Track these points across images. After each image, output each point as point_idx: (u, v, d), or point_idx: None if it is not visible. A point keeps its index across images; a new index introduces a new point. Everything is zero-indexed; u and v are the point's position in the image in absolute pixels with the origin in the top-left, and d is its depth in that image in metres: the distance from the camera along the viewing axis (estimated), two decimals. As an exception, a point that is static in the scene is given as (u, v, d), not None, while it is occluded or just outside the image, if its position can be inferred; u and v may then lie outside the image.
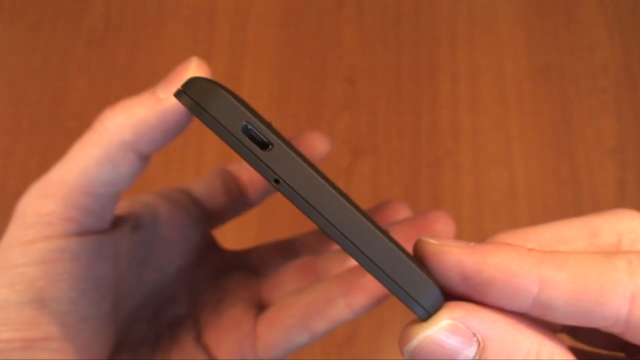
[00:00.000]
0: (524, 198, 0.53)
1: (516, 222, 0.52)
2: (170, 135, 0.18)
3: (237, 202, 0.25)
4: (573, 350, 0.13)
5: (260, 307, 0.23)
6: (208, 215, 0.24)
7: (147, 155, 0.19)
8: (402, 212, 0.23)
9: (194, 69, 0.18)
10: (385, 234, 0.13)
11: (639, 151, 0.54)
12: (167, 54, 0.59)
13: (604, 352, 0.17)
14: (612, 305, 0.12)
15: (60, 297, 0.17)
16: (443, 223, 0.21)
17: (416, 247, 0.14)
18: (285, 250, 0.26)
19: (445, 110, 0.56)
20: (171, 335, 0.22)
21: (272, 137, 0.13)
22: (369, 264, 0.13)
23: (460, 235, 0.52)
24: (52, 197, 0.17)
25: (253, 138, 0.13)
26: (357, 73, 0.58)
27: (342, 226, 0.13)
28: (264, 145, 0.13)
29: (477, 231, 0.52)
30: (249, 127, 0.13)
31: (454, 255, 0.13)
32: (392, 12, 0.60)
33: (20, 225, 0.18)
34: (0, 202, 0.53)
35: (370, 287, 0.20)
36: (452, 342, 0.12)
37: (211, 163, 0.54)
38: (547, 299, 0.12)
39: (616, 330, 0.12)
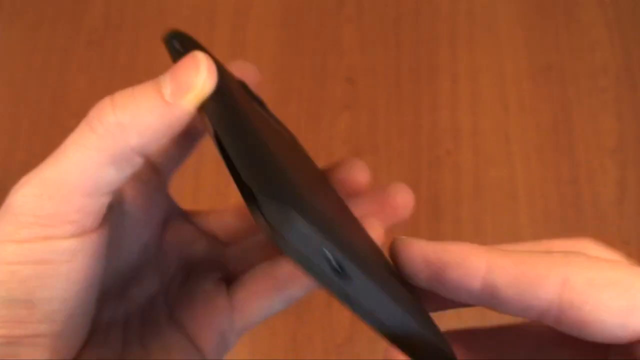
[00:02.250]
0: (524, 198, 0.53)
1: (516, 222, 0.52)
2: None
3: (185, 141, 0.24)
4: None
5: (228, 275, 0.23)
6: (164, 178, 0.23)
7: (152, 155, 0.18)
8: (361, 173, 0.23)
9: (204, 71, 0.17)
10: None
11: (639, 151, 0.54)
12: (167, 54, 0.59)
13: None
14: (547, 288, 0.13)
15: (53, 297, 0.17)
16: (402, 196, 0.22)
17: (391, 246, 0.16)
18: (244, 216, 0.25)
19: (445, 110, 0.56)
20: (142, 314, 0.21)
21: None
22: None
23: (460, 235, 0.52)
24: (50, 199, 0.17)
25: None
26: (357, 73, 0.58)
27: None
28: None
29: (477, 231, 0.52)
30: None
31: (420, 244, 0.15)
32: (392, 12, 0.60)
33: (12, 222, 0.17)
34: (0, 202, 0.53)
35: None
36: None
37: (211, 162, 0.54)
38: (493, 279, 0.14)
39: (551, 316, 0.14)
